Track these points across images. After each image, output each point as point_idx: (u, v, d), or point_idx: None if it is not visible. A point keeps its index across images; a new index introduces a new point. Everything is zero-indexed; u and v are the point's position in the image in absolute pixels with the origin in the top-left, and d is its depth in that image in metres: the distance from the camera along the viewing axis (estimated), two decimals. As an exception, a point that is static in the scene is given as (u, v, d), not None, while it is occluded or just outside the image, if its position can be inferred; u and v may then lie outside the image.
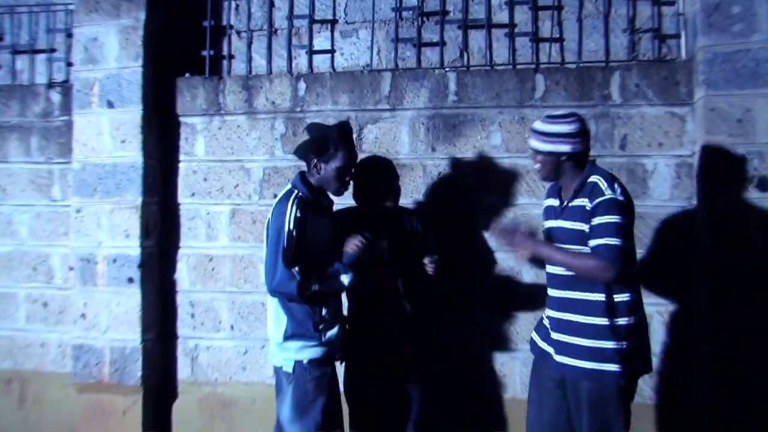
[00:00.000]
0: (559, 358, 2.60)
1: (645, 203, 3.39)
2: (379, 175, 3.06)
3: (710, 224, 3.19)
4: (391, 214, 3.11)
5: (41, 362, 4.09)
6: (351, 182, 2.92)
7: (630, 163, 3.45)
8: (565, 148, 2.57)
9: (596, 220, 2.45)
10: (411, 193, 3.64)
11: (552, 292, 2.69)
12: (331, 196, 2.97)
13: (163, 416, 3.88)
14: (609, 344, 2.48)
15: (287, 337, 2.78)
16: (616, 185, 2.51)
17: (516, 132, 3.55)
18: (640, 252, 3.15)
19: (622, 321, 2.49)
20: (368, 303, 3.01)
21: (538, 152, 2.64)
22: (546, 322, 2.75)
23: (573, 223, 2.56)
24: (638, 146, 3.44)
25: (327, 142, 2.78)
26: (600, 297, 2.49)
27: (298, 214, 2.72)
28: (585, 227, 2.50)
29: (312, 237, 2.77)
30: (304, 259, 2.71)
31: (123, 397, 3.76)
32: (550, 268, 2.70)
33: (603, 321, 2.49)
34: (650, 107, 3.43)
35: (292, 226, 2.70)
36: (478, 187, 3.58)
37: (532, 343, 2.83)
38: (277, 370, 2.85)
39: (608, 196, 2.47)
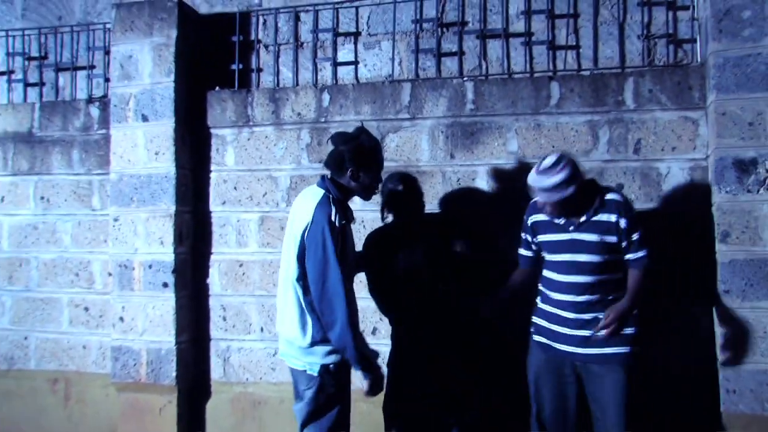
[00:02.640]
0: (586, 350, 2.85)
1: (659, 206, 3.44)
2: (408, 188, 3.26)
3: (721, 224, 3.24)
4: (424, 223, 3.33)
5: (83, 363, 4.23)
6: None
7: (644, 167, 3.49)
8: (570, 190, 2.75)
9: (634, 236, 2.78)
10: (431, 199, 3.69)
11: (566, 297, 2.89)
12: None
13: (197, 415, 3.99)
14: (630, 330, 2.83)
15: (314, 342, 2.77)
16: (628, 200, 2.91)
17: (532, 139, 3.61)
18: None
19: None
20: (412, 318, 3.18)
21: (547, 203, 2.82)
22: (553, 324, 2.95)
23: (596, 235, 2.80)
24: (652, 150, 3.48)
25: (368, 151, 2.86)
26: (611, 296, 2.85)
27: (342, 219, 2.75)
28: (613, 239, 2.79)
29: (349, 245, 2.83)
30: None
31: (159, 396, 3.88)
32: (560, 277, 2.91)
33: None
34: (663, 112, 3.46)
35: (339, 229, 2.71)
36: (495, 192, 3.65)
37: (544, 346, 2.99)
38: (298, 373, 2.87)
39: (634, 213, 2.82)
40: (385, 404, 3.24)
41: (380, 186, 3.03)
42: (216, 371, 4.03)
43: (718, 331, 3.24)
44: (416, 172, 3.69)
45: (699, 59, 3.54)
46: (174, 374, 3.87)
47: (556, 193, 2.75)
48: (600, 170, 3.51)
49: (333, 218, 2.69)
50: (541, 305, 3.04)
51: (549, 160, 2.77)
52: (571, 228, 2.85)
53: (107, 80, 4.30)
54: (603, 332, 2.73)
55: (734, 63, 3.20)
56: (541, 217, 2.96)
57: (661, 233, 3.32)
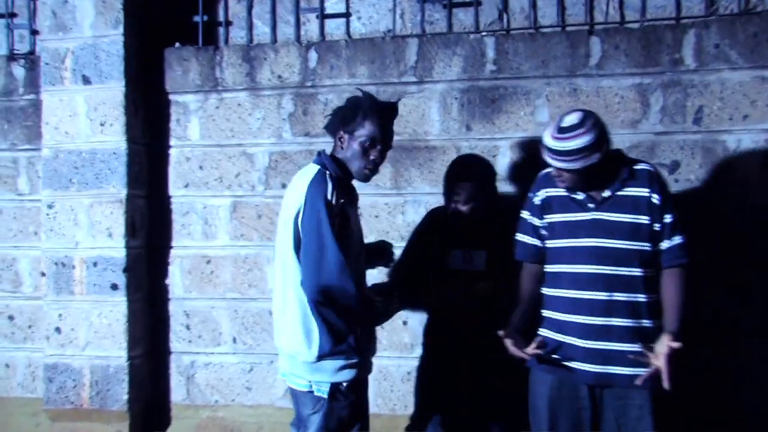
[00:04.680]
0: (605, 369, 2.48)
1: (727, 188, 3.13)
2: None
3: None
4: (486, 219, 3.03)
5: (6, 386, 3.95)
6: (379, 165, 2.66)
7: (706, 140, 3.17)
8: (596, 157, 2.41)
9: (668, 217, 2.46)
10: (443, 180, 3.30)
11: (583, 295, 2.52)
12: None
13: (155, 446, 3.72)
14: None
15: (322, 355, 2.52)
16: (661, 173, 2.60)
17: (566, 106, 3.22)
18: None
19: (658, 322, 2.49)
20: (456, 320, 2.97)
21: (566, 171, 2.48)
22: (563, 335, 2.57)
23: (625, 215, 2.47)
24: (717, 120, 3.16)
25: (355, 109, 2.57)
26: (642, 298, 2.47)
27: (341, 198, 2.46)
28: (644, 219, 2.45)
29: (352, 227, 2.57)
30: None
31: (106, 425, 3.61)
32: (577, 268, 2.53)
33: (648, 323, 2.46)
34: (733, 71, 3.12)
35: (337, 210, 2.44)
36: (520, 172, 3.33)
37: (553, 366, 2.60)
38: (302, 394, 2.62)
39: (669, 189, 2.51)
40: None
41: (376, 163, 2.65)
42: (178, 392, 3.76)
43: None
44: (424, 148, 3.43)
45: (780, 6, 3.21)
46: (125, 397, 3.59)
47: (578, 161, 2.40)
48: (651, 144, 3.18)
49: (330, 196, 2.44)
50: (545, 312, 2.66)
51: (572, 118, 2.44)
52: (592, 205, 2.52)
53: (34, 33, 3.94)
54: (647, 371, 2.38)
55: (836, 5, 2.91)
56: (553, 191, 2.62)
57: (730, 220, 3.12)
